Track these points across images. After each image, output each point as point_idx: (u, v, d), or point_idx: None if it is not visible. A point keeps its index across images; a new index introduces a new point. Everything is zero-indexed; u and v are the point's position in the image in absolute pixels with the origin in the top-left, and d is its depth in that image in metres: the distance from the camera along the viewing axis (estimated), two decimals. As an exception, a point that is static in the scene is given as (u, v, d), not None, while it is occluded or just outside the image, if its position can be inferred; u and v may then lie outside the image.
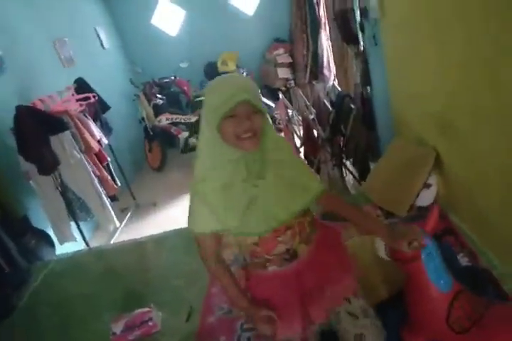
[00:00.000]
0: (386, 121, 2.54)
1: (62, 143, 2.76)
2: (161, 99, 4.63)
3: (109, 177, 3.16)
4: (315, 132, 2.64)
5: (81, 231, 3.04)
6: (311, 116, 2.53)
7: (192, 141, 4.59)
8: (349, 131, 2.49)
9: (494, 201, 1.62)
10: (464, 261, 1.72)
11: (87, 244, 3.03)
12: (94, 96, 3.32)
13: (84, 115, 3.10)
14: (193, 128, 4.54)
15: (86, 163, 2.87)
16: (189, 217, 1.12)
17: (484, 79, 1.44)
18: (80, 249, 3.03)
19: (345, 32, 2.95)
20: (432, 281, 1.13)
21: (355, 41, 2.95)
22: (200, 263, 1.20)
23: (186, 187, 3.89)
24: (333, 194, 1.29)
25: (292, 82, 5.10)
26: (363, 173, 2.70)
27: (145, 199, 4.09)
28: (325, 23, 4.59)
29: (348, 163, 2.70)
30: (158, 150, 4.70)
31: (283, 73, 5.06)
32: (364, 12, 2.60)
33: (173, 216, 3.74)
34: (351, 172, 2.67)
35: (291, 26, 5.17)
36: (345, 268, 1.21)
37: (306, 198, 1.09)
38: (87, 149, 2.91)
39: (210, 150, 1.05)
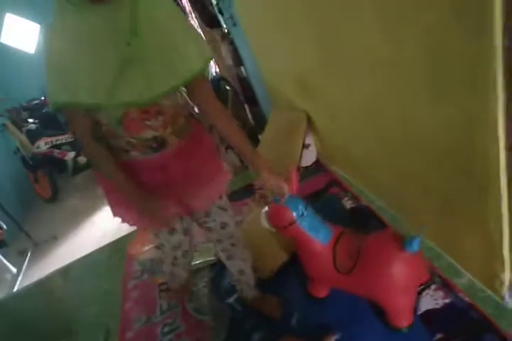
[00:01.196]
0: (265, 96, 2.55)
1: None
2: (33, 123, 4.15)
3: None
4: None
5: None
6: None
7: (81, 159, 4.20)
8: (230, 111, 2.44)
9: (359, 147, 1.75)
10: (348, 204, 1.88)
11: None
12: None
13: None
14: (79, 146, 4.15)
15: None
16: (47, 87, 0.91)
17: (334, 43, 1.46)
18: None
19: (206, 16, 2.88)
20: (312, 237, 1.22)
21: (218, 24, 2.90)
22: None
23: (85, 213, 3.58)
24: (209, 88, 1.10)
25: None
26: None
27: (43, 235, 3.63)
28: (190, 11, 4.50)
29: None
30: (46, 179, 4.22)
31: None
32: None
33: (78, 244, 3.38)
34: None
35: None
36: (216, 168, 1.21)
37: (185, 72, 0.93)
38: None
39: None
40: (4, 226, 3.01)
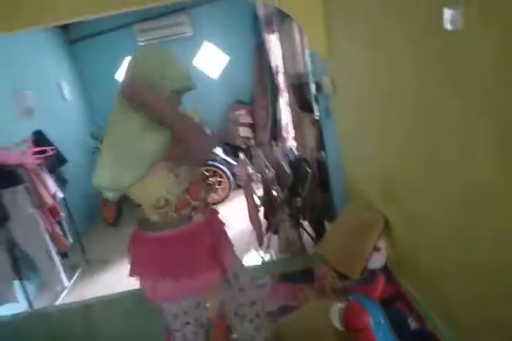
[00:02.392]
0: (340, 185, 2.73)
1: (14, 197, 2.68)
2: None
3: (61, 234, 3.04)
4: (274, 193, 2.76)
5: (25, 291, 2.84)
6: (270, 176, 2.66)
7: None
8: (306, 192, 2.63)
9: (435, 263, 1.73)
10: (412, 324, 1.78)
11: (30, 305, 2.83)
12: (52, 149, 3.29)
13: (41, 168, 3.05)
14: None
15: (38, 218, 2.77)
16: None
17: (419, 153, 1.64)
18: (21, 310, 2.82)
19: (302, 102, 3.22)
20: (383, 349, 1.17)
21: (311, 110, 3.23)
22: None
23: None
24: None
25: (252, 141, 5.33)
26: (319, 233, 2.81)
27: (96, 256, 3.91)
28: (283, 90, 4.97)
29: (305, 224, 2.81)
30: (113, 205, 4.61)
31: (244, 132, 5.29)
32: (318, 87, 2.89)
33: (125, 275, 3.58)
34: (308, 233, 2.77)
35: (253, 90, 5.52)
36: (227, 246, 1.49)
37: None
38: (40, 204, 2.83)
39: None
40: (71, 240, 3.31)
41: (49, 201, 2.90)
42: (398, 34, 1.60)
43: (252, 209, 2.79)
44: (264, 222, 2.90)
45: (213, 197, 4.71)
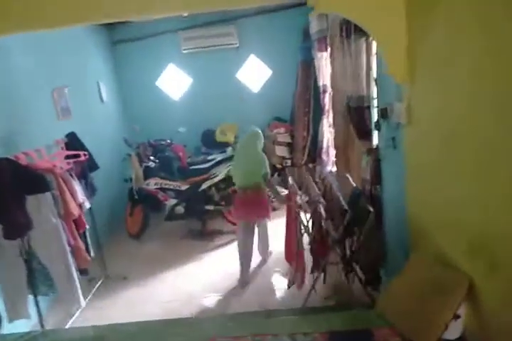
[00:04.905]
0: (397, 227, 2.40)
1: (39, 205, 2.46)
2: (153, 161, 4.42)
3: (84, 248, 2.79)
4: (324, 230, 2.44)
5: (38, 307, 2.60)
6: (321, 209, 2.35)
7: (178, 209, 4.31)
8: (364, 235, 2.31)
9: None
10: None
11: (41, 324, 2.57)
12: (84, 155, 3.09)
13: (70, 174, 2.83)
14: (182, 197, 4.29)
15: (61, 229, 2.53)
16: None
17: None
18: (30, 328, 2.58)
19: (360, 128, 2.94)
20: None
21: (369, 138, 2.93)
22: None
23: (162, 261, 3.58)
24: None
25: (289, 161, 5.06)
26: (371, 282, 2.48)
27: (116, 270, 3.65)
28: (328, 111, 4.69)
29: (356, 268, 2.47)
30: (141, 215, 4.37)
31: (281, 151, 5.03)
32: (384, 114, 2.60)
33: (143, 294, 3.32)
34: (360, 280, 2.42)
35: (294, 108, 5.27)
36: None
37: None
38: (66, 214, 2.60)
39: None
40: (93, 254, 3.06)
41: (75, 212, 2.67)
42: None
43: (295, 244, 2.49)
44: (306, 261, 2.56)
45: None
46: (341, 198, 2.47)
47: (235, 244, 4.01)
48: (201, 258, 3.89)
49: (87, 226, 2.93)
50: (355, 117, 2.94)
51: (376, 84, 2.80)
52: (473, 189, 1.71)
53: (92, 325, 2.55)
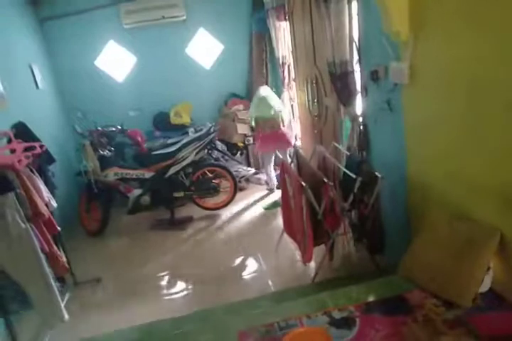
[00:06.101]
0: (393, 188, 2.38)
1: (2, 209, 2.03)
2: (109, 150, 3.97)
3: (60, 254, 2.40)
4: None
5: (10, 329, 2.20)
6: (330, 183, 2.21)
7: (144, 199, 3.95)
8: (373, 201, 2.23)
9: None
10: None
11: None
12: (41, 146, 2.63)
13: (30, 169, 2.39)
14: (147, 186, 3.93)
15: (33, 235, 2.13)
16: None
17: None
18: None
19: (345, 95, 2.82)
20: None
21: (353, 104, 2.84)
22: None
23: (136, 256, 3.25)
24: None
25: (251, 138, 4.86)
26: (378, 247, 2.44)
27: (85, 274, 3.24)
28: (288, 83, 4.55)
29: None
30: (100, 210, 3.94)
31: (242, 129, 4.80)
32: (374, 76, 2.50)
33: (130, 292, 2.99)
34: (368, 247, 2.37)
35: (250, 83, 5.05)
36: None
37: None
38: (35, 216, 2.19)
39: None
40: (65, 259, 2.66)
41: (45, 212, 2.26)
42: None
43: (300, 219, 2.35)
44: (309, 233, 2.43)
45: (216, 201, 4.18)
46: (344, 168, 2.36)
47: (211, 229, 3.80)
48: (178, 248, 3.60)
49: (59, 229, 2.52)
50: (340, 84, 2.82)
51: (359, 47, 2.69)
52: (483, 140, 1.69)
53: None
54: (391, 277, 2.02)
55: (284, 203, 2.82)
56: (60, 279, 2.47)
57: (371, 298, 1.90)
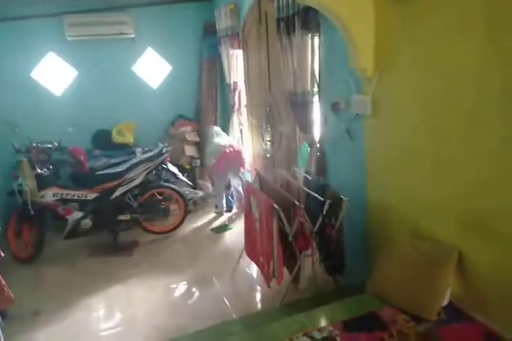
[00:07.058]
0: (356, 215, 2.56)
1: None
2: (47, 168, 3.66)
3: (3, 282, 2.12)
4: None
5: None
6: (301, 206, 2.30)
7: (85, 223, 3.68)
8: (339, 223, 2.36)
9: None
10: None
11: None
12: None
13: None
14: (89, 208, 3.68)
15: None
16: None
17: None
18: None
19: (304, 123, 2.98)
20: None
21: (311, 132, 3.01)
22: None
23: (74, 285, 3.10)
24: None
25: (198, 161, 4.83)
26: (338, 267, 2.55)
27: (19, 306, 2.87)
28: (238, 109, 4.65)
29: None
30: (32, 234, 3.58)
31: (190, 151, 4.76)
32: (335, 107, 2.69)
33: (70, 328, 2.72)
34: (330, 268, 2.46)
35: (198, 106, 5.06)
36: None
37: None
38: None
39: None
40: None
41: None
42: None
43: (269, 242, 2.38)
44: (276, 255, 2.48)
45: (165, 224, 4.03)
46: (311, 192, 2.48)
47: (159, 254, 3.65)
48: (123, 275, 3.37)
49: (2, 255, 2.24)
50: (300, 112, 2.98)
51: (319, 79, 2.89)
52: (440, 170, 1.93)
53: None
54: (361, 295, 2.12)
55: (248, 225, 2.84)
56: (3, 314, 2.16)
57: (346, 317, 1.97)
